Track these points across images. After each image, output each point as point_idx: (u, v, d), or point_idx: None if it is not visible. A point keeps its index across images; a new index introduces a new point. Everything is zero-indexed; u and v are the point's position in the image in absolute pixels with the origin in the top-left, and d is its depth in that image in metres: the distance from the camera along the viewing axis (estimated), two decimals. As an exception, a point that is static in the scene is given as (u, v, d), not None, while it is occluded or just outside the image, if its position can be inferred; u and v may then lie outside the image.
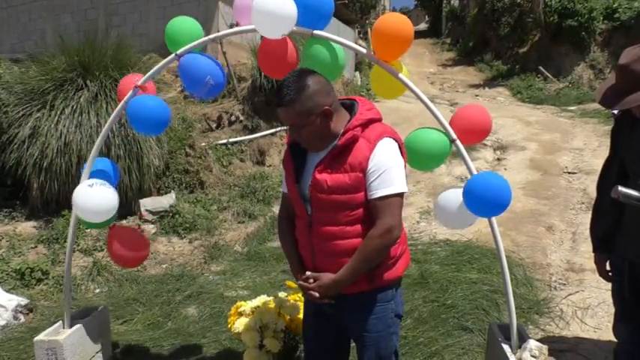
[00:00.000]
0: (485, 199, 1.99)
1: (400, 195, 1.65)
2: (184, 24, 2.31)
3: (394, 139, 1.69)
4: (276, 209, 5.59)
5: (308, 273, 1.73)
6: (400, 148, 1.71)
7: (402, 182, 1.66)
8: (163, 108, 2.33)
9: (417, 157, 2.12)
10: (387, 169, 1.62)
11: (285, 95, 1.59)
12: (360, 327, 1.77)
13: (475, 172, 2.15)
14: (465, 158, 2.16)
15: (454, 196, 2.13)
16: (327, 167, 1.65)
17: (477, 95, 14.26)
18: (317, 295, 1.68)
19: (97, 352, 2.76)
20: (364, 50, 2.30)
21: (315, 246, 1.72)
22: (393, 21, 2.04)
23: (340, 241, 1.67)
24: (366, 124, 1.67)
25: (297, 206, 1.77)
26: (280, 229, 1.94)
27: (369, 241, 1.63)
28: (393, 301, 1.79)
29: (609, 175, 2.13)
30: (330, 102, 1.64)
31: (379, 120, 1.73)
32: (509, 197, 2.00)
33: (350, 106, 1.75)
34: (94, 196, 2.31)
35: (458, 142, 2.13)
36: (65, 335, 2.52)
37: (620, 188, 1.79)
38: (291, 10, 1.98)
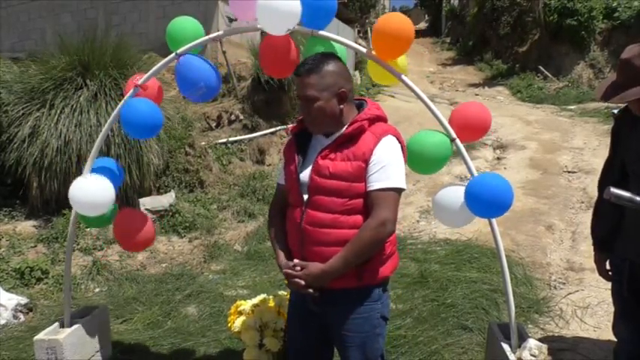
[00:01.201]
0: (487, 201, 1.99)
1: (398, 191, 1.68)
2: (186, 24, 2.32)
3: (398, 139, 1.74)
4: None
5: (295, 260, 1.71)
6: (402, 149, 1.75)
7: (402, 179, 1.69)
8: (155, 112, 2.30)
9: (419, 161, 2.12)
10: (388, 164, 1.66)
11: (307, 65, 1.67)
12: (345, 326, 1.75)
13: (475, 172, 2.15)
14: (465, 158, 2.15)
15: (453, 194, 2.14)
16: (331, 154, 1.68)
17: (476, 94, 14.25)
18: (302, 283, 1.66)
19: (97, 352, 2.76)
20: (364, 50, 2.30)
21: (305, 234, 1.70)
22: (394, 21, 2.04)
23: (333, 229, 1.66)
24: (373, 120, 1.72)
25: (293, 193, 1.77)
26: (270, 219, 1.92)
27: (363, 232, 1.63)
28: (379, 301, 1.78)
29: (610, 176, 2.13)
30: (348, 88, 1.71)
31: (385, 120, 1.79)
32: (511, 198, 2.00)
33: (359, 105, 1.81)
34: (88, 187, 2.28)
35: (458, 141, 2.13)
36: (65, 334, 2.52)
37: (612, 189, 1.81)
38: (295, 5, 1.98)
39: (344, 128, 1.70)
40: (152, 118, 2.29)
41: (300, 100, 1.72)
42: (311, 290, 1.67)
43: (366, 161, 1.65)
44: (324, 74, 1.66)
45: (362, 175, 1.66)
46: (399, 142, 1.74)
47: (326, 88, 1.65)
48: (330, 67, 1.67)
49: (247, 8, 2.15)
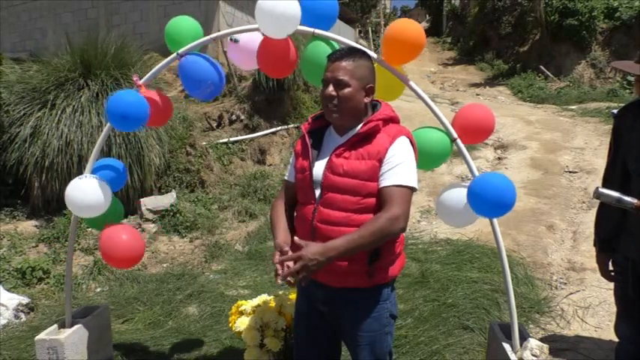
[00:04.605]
0: (489, 200, 1.99)
1: (411, 189, 1.68)
2: (184, 23, 2.31)
3: (410, 141, 1.75)
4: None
5: (296, 239, 1.64)
6: (414, 150, 1.77)
7: (414, 179, 1.70)
8: (139, 104, 2.21)
9: (419, 157, 2.12)
10: (402, 163, 1.67)
11: (342, 51, 1.73)
12: (356, 326, 1.76)
13: (476, 172, 2.15)
14: (466, 158, 2.15)
15: (456, 195, 2.13)
16: (345, 152, 1.69)
17: (477, 94, 14.24)
18: (292, 264, 1.55)
19: (98, 351, 2.76)
20: (368, 51, 2.30)
21: (317, 232, 1.69)
22: (408, 28, 2.05)
23: (345, 228, 1.65)
24: (386, 121, 1.74)
25: (305, 191, 1.76)
26: (275, 207, 1.89)
27: (377, 219, 1.59)
28: (388, 300, 1.79)
29: (613, 176, 2.13)
30: (375, 87, 1.75)
31: (398, 121, 1.80)
32: (513, 198, 2.00)
33: (373, 106, 1.82)
34: (83, 188, 2.27)
35: (459, 141, 2.13)
36: (66, 334, 2.52)
37: (600, 189, 1.89)
38: (295, 10, 1.98)
39: (359, 127, 1.71)
40: (134, 109, 2.18)
41: (327, 85, 1.69)
42: (303, 274, 1.55)
43: (381, 160, 1.66)
44: (358, 64, 1.69)
45: (376, 174, 1.66)
46: (411, 144, 1.75)
47: (358, 78, 1.68)
48: (364, 60, 1.72)
49: (248, 60, 2.26)
